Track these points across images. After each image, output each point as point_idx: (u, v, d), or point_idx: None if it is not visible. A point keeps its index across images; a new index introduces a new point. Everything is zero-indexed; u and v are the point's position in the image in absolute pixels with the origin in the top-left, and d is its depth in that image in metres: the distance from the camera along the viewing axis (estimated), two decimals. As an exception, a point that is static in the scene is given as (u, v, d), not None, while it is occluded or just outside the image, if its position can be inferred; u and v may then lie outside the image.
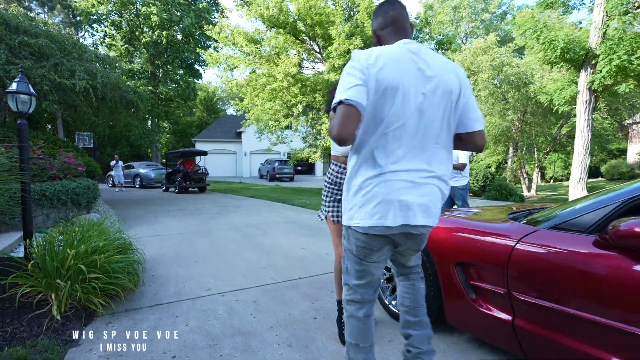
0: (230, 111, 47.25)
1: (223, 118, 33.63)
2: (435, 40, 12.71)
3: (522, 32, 8.82)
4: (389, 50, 1.23)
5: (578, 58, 8.18)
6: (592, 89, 8.24)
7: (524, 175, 21.27)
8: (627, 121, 22.84)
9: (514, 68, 17.73)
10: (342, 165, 2.02)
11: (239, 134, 29.17)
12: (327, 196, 2.08)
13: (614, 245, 1.25)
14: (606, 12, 7.70)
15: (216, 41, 14.06)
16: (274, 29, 11.49)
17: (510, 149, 22.49)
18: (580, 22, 11.52)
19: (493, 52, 17.41)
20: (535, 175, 21.85)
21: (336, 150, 2.01)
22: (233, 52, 12.45)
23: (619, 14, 7.46)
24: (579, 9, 9.73)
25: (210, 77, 71.88)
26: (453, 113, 1.28)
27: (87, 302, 2.37)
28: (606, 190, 1.65)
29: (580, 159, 8.71)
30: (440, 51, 12.62)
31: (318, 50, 12.80)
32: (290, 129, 15.38)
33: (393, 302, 2.39)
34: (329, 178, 2.07)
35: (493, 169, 18.91)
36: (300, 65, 12.33)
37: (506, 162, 24.17)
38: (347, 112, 1.14)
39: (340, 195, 2.01)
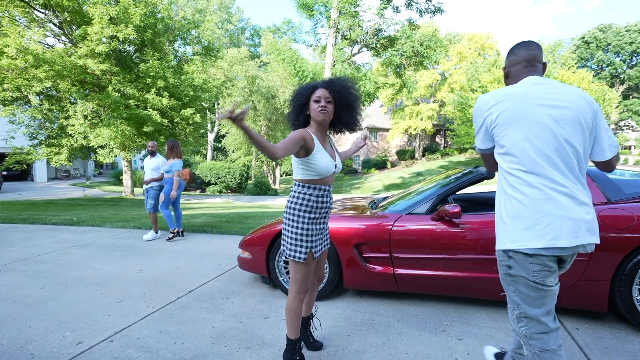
0: None
1: None
2: (202, 46, 12.99)
3: (282, 57, 10.94)
4: (510, 89, 1.39)
5: (319, 86, 11.18)
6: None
7: (271, 172, 25.63)
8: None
9: (264, 81, 20.92)
10: (323, 187, 1.80)
11: None
12: (309, 229, 1.76)
13: (443, 219, 2.56)
14: (334, 59, 11.02)
15: None
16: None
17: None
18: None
19: (246, 64, 19.78)
20: (278, 172, 26.72)
21: (317, 171, 1.75)
22: None
23: (340, 61, 10.88)
24: (315, 47, 13.02)
25: None
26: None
27: None
28: (421, 189, 3.08)
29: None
30: (208, 57, 13.06)
31: (58, 25, 10.05)
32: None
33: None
34: (307, 204, 1.76)
35: (246, 168, 21.48)
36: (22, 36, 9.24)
37: (251, 162, 28.08)
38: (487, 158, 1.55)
39: (322, 222, 1.87)
